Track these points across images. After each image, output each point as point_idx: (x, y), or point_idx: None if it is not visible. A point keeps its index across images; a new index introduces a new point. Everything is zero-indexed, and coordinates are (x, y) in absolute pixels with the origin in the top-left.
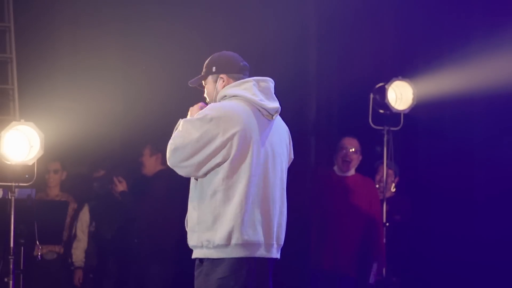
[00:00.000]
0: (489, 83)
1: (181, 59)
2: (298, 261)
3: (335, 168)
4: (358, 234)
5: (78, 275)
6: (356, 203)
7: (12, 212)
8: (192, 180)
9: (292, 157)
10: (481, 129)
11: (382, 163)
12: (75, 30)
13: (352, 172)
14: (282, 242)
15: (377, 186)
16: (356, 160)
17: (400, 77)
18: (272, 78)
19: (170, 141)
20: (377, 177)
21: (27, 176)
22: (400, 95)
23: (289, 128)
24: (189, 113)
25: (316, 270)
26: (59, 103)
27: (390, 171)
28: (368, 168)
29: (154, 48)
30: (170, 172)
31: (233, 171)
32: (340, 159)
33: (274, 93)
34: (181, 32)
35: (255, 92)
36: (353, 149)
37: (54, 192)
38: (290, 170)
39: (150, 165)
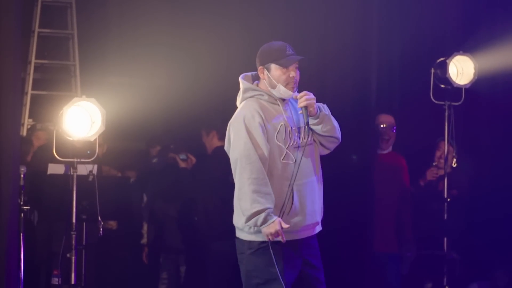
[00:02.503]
0: None
1: (239, 34)
2: (351, 243)
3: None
4: (393, 212)
5: (144, 251)
6: (391, 180)
7: (74, 188)
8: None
9: None
10: None
11: (443, 139)
12: (135, 5)
13: (389, 149)
14: None
15: (435, 163)
16: (393, 137)
17: (461, 52)
18: (333, 55)
19: (336, 122)
20: (438, 153)
21: (88, 152)
22: (462, 69)
23: (351, 104)
24: (303, 97)
25: (364, 251)
26: (119, 79)
27: (451, 148)
28: (426, 144)
29: (211, 22)
30: None
31: None
32: (378, 137)
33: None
34: (237, 7)
35: None
36: (389, 126)
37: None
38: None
39: (209, 144)
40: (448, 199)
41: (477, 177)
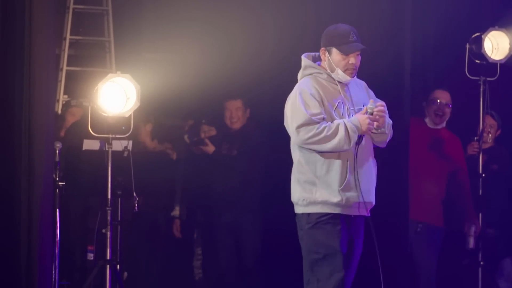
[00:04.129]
0: None
1: (272, 11)
2: (396, 214)
3: (427, 120)
4: (444, 186)
5: (176, 225)
6: (444, 155)
7: (109, 164)
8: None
9: None
10: None
11: (488, 113)
12: None
13: (443, 125)
14: None
15: (476, 138)
16: (448, 113)
17: (496, 27)
18: (368, 32)
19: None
20: (483, 127)
21: (123, 128)
22: (497, 45)
23: (384, 81)
24: (381, 112)
25: (411, 222)
26: (154, 55)
27: (494, 122)
28: (461, 119)
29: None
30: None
31: None
32: (432, 112)
33: (369, 46)
34: None
35: None
36: (445, 102)
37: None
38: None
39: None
40: (483, 175)
41: None
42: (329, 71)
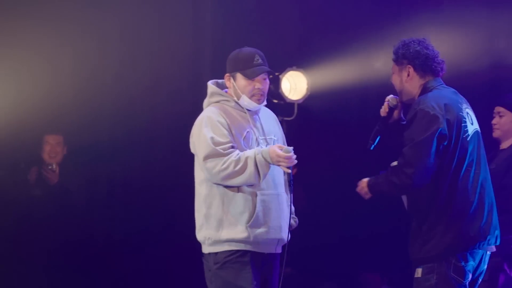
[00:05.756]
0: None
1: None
2: None
3: None
4: None
5: None
6: None
7: None
8: None
9: None
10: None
11: None
12: None
13: None
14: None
15: None
16: None
17: (294, 67)
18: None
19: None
20: None
21: None
22: (295, 85)
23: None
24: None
25: None
26: None
27: None
28: None
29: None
30: None
31: None
32: None
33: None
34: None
35: None
36: None
37: None
38: None
39: None
40: None
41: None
42: (235, 98)
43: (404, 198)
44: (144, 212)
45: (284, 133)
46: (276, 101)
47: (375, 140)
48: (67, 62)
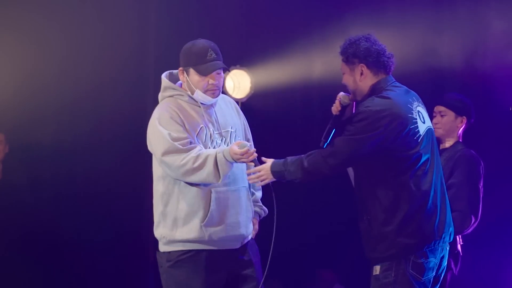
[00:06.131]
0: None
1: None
2: None
3: None
4: None
5: None
6: None
7: None
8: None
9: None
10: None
11: None
12: None
13: None
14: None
15: None
16: None
17: (238, 66)
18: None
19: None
20: None
21: None
22: (238, 83)
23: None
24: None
25: None
26: None
27: None
28: None
29: None
30: None
31: None
32: None
33: None
34: None
35: None
36: None
37: None
38: None
39: None
40: None
41: None
42: (189, 92)
43: (350, 173)
44: (91, 210)
45: None
46: None
47: (328, 138)
48: (4, 60)
